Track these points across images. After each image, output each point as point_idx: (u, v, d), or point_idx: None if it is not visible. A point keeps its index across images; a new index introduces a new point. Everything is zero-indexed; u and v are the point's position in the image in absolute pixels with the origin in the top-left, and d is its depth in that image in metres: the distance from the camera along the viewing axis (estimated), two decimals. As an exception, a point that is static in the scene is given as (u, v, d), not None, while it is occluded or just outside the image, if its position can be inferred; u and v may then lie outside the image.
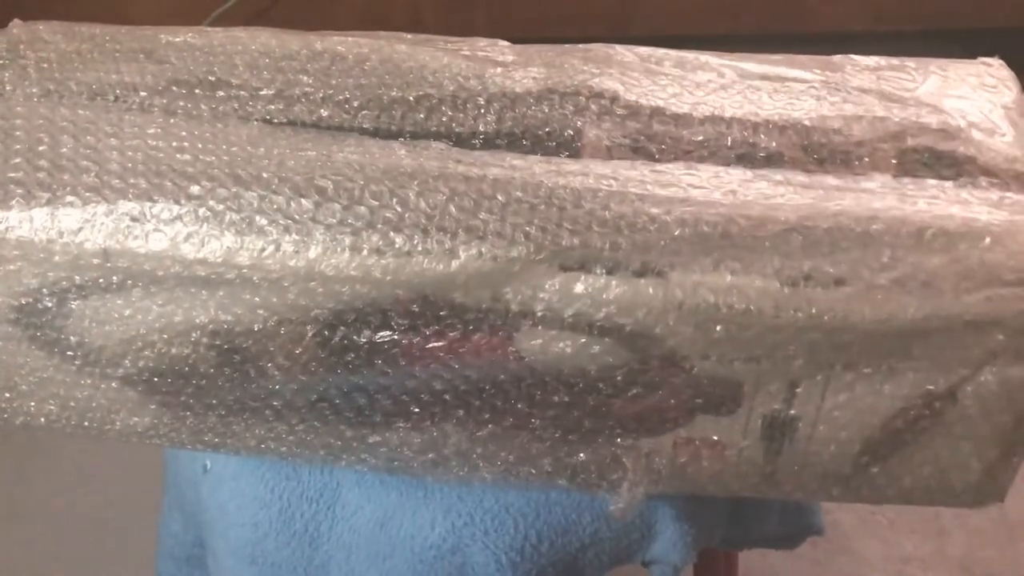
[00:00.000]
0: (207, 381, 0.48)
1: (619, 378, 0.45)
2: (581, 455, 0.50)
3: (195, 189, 0.43)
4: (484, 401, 0.47)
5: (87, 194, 0.43)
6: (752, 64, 0.52)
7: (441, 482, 0.60)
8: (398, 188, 0.43)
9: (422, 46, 0.52)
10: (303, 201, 0.43)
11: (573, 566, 0.61)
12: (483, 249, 0.42)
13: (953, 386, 0.45)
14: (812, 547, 0.82)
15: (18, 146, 0.45)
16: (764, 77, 0.51)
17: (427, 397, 0.47)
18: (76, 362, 0.49)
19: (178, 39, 0.52)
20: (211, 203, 0.43)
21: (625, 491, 0.50)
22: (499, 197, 0.43)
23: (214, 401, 0.49)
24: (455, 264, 0.42)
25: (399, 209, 0.43)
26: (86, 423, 0.53)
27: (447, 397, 0.47)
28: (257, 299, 0.44)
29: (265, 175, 0.44)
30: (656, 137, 0.48)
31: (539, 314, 0.43)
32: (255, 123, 0.48)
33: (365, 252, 0.42)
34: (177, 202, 0.43)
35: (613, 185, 0.43)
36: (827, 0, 1.36)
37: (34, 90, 0.49)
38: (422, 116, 0.48)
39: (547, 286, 0.42)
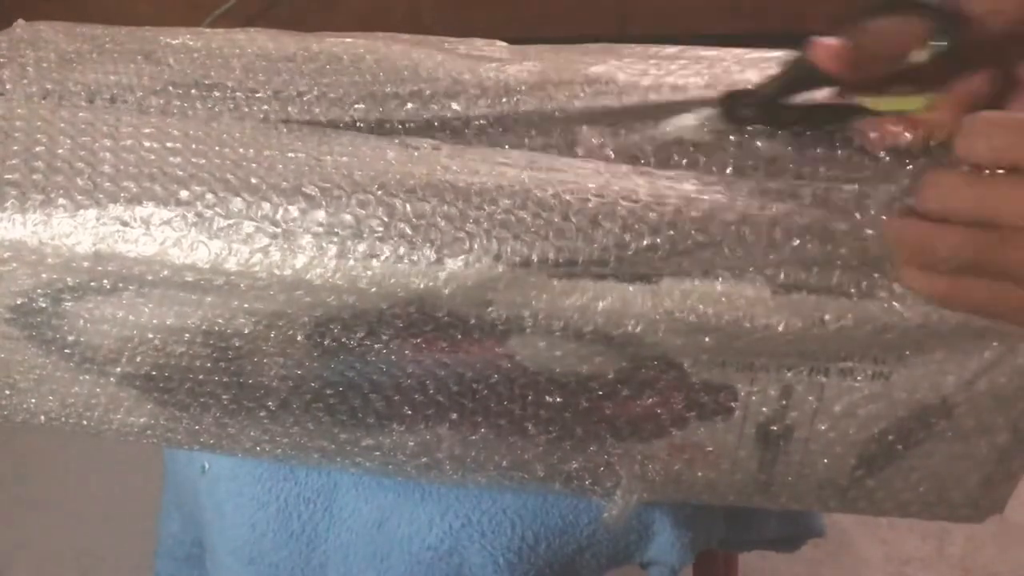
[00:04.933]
0: (203, 377, 0.48)
1: (610, 381, 0.45)
2: (574, 462, 0.49)
3: (184, 194, 0.43)
4: (477, 403, 0.47)
5: (79, 197, 0.43)
6: (751, 55, 0.51)
7: (436, 484, 0.60)
8: (386, 196, 0.43)
9: (418, 46, 0.52)
10: (291, 208, 0.42)
11: (570, 567, 0.61)
12: (469, 259, 0.41)
13: (947, 397, 0.44)
14: (812, 547, 0.81)
15: (16, 147, 0.45)
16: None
17: (420, 398, 0.47)
18: (74, 360, 0.49)
19: (176, 41, 0.52)
20: (200, 208, 0.43)
21: (619, 498, 0.50)
22: (486, 207, 0.42)
23: (210, 401, 0.49)
24: (441, 275, 0.41)
25: (386, 219, 0.42)
26: (85, 421, 0.53)
27: (440, 399, 0.47)
28: (245, 305, 0.44)
29: (254, 180, 0.43)
30: (650, 137, 0.47)
31: (527, 325, 0.43)
32: (248, 122, 0.48)
33: (351, 261, 0.42)
34: (166, 206, 0.43)
35: (604, 193, 0.42)
36: (827, 0, 1.36)
37: (33, 89, 0.49)
38: (415, 107, 0.48)
39: (534, 297, 0.42)
